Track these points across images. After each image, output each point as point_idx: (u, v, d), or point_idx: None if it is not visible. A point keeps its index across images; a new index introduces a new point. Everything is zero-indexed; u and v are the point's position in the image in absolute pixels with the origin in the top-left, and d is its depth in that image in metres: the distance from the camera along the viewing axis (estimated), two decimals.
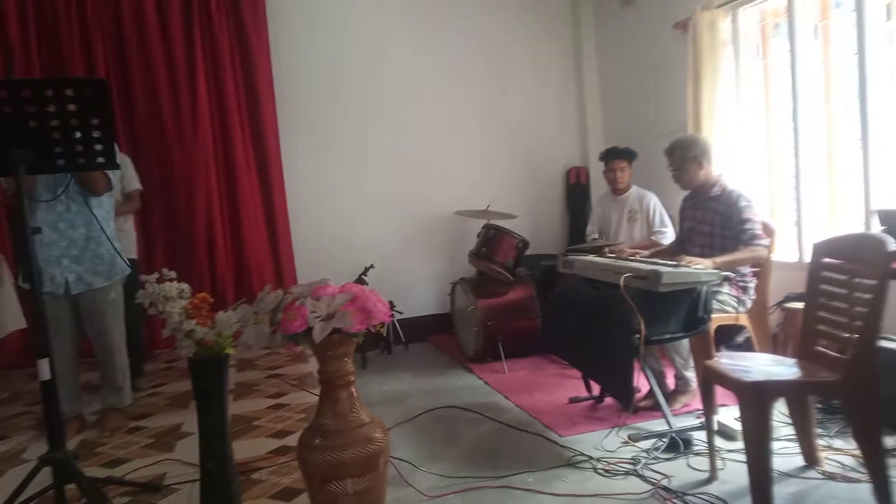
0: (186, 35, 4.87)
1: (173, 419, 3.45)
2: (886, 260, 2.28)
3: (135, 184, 4.04)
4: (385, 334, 5.28)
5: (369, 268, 5.05)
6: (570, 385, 4.02)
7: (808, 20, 3.77)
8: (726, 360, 2.62)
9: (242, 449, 2.87)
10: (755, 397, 2.32)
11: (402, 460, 3.00)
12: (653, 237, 4.48)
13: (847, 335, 2.44)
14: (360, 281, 5.06)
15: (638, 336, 2.96)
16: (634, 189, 4.65)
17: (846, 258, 2.52)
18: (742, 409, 2.40)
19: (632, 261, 3.42)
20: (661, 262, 3.30)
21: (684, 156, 3.58)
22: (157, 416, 3.56)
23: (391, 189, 5.58)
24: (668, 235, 4.37)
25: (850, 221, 3.79)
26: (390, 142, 5.56)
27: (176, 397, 3.86)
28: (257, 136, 5.10)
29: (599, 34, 5.79)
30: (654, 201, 4.55)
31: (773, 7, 4.10)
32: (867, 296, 2.35)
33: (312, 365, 4.18)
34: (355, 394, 2.15)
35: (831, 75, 3.74)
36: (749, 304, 3.51)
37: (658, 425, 3.24)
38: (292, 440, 2.85)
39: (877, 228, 2.84)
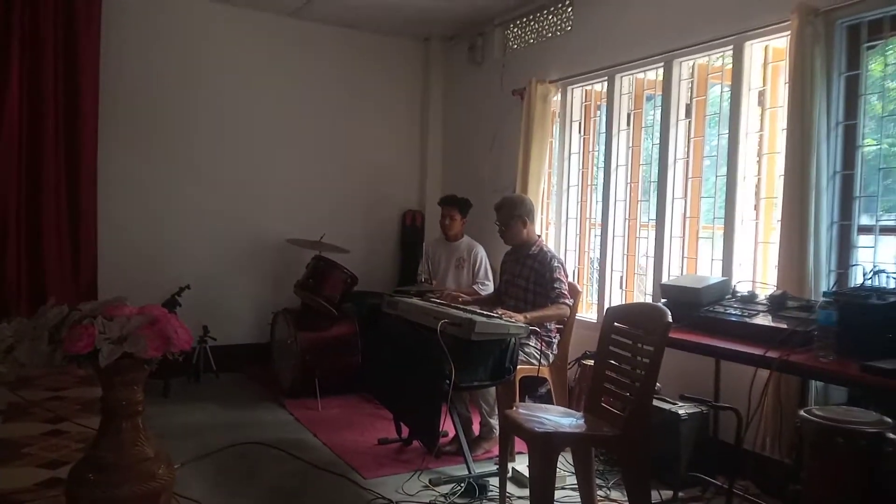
0: (4, 9, 4.36)
1: None
2: (664, 329, 2.56)
3: None
4: (194, 361, 4.99)
5: (184, 288, 4.75)
6: (381, 426, 4.03)
7: (623, 107, 4.22)
8: (523, 411, 2.77)
9: (5, 478, 2.54)
10: (543, 447, 2.48)
11: (192, 500, 2.82)
12: (474, 286, 4.68)
13: (627, 394, 2.70)
14: (171, 301, 4.74)
15: (448, 382, 3.06)
16: (466, 239, 4.85)
17: (632, 324, 2.80)
18: (531, 457, 2.55)
19: (451, 307, 3.54)
20: (479, 311, 3.45)
21: (511, 213, 3.82)
22: None
23: (220, 208, 5.33)
24: (489, 289, 4.59)
25: (641, 290, 4.23)
26: (226, 159, 5.33)
27: None
28: (72, 131, 4.62)
29: (447, 87, 6.05)
30: (481, 254, 4.76)
31: (596, 90, 4.55)
32: (646, 360, 2.62)
33: None
34: (141, 425, 1.99)
35: (638, 158, 4.19)
36: (552, 357, 3.77)
37: (460, 470, 3.34)
38: (66, 472, 2.57)
39: (660, 300, 3.19)
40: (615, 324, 2.89)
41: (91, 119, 4.70)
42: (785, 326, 2.56)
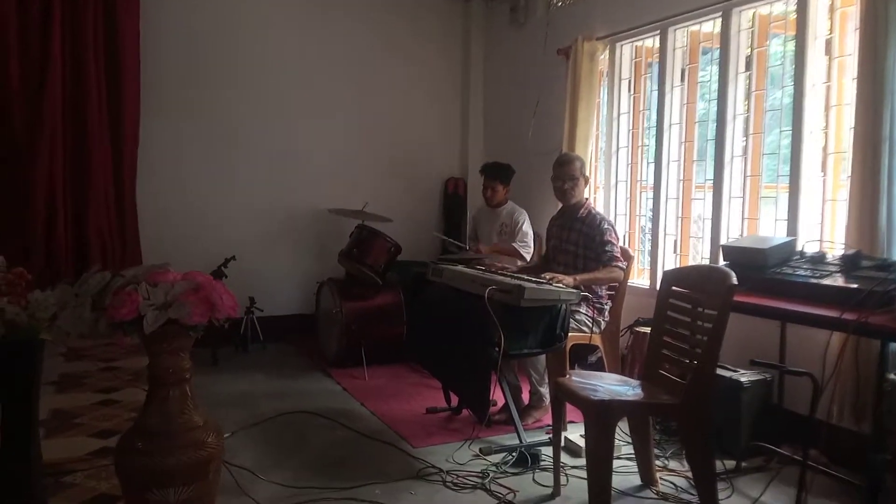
0: None
1: None
2: (728, 292, 2.41)
3: None
4: (241, 331, 5.01)
5: (230, 259, 4.75)
6: (428, 395, 3.98)
7: (677, 63, 4.00)
8: (577, 378, 2.67)
9: (57, 448, 2.56)
10: (600, 416, 2.37)
11: (241, 468, 2.81)
12: (513, 244, 4.56)
13: (687, 361, 2.57)
14: (217, 273, 4.74)
15: (497, 349, 2.97)
16: (509, 205, 4.70)
17: (692, 288, 2.66)
18: (587, 426, 2.45)
19: (499, 274, 3.44)
20: (526, 277, 3.34)
21: (582, 170, 3.67)
22: None
23: (263, 179, 5.31)
24: (526, 249, 4.44)
25: (696, 254, 4.05)
26: (267, 131, 5.30)
27: None
28: (115, 104, 4.62)
29: (488, 51, 5.87)
30: (521, 218, 4.59)
31: (647, 46, 4.32)
32: (708, 325, 2.48)
33: None
34: (189, 393, 1.96)
35: (693, 116, 3.97)
36: (603, 325, 3.64)
37: (510, 439, 3.26)
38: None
39: (721, 262, 3.03)
40: (673, 288, 2.74)
41: (133, 90, 4.70)
42: (860, 287, 2.37)
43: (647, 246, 4.34)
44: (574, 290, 3.17)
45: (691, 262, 4.04)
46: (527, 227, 4.56)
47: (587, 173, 3.77)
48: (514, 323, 3.05)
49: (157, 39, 4.85)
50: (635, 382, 2.72)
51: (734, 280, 2.41)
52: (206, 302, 1.83)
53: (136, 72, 4.70)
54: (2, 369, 1.93)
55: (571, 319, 3.46)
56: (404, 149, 5.82)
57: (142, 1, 4.71)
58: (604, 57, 4.49)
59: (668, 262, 4.12)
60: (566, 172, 3.64)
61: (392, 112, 5.74)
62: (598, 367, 3.83)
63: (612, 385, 2.62)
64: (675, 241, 4.11)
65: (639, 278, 4.35)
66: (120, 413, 3.09)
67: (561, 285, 3.20)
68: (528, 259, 4.41)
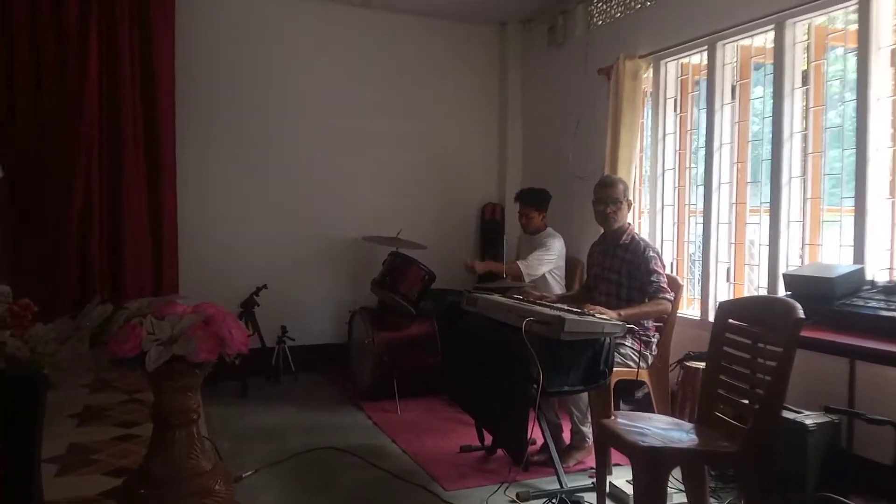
0: (82, 11, 4.37)
1: None
2: (794, 326, 2.17)
3: None
4: (273, 361, 4.89)
5: (261, 288, 4.68)
6: (463, 431, 3.77)
7: (727, 79, 3.77)
8: (623, 421, 2.43)
9: (69, 486, 2.43)
10: (650, 464, 2.14)
11: None
12: (517, 261, 4.34)
13: (747, 402, 2.31)
14: (250, 301, 4.67)
15: (535, 386, 2.75)
16: (548, 230, 4.51)
17: (751, 321, 2.41)
18: (635, 475, 2.21)
19: (538, 304, 3.23)
20: (567, 308, 3.13)
21: (625, 193, 3.47)
22: None
23: (296, 206, 5.23)
24: (530, 271, 4.23)
25: (751, 283, 3.77)
26: (300, 157, 5.23)
27: None
28: (151, 130, 4.59)
29: (526, 73, 5.73)
30: (549, 242, 4.35)
31: (694, 62, 4.11)
32: (771, 363, 2.23)
33: None
34: (196, 435, 1.80)
35: (745, 136, 3.73)
36: (650, 359, 3.39)
37: (550, 483, 3.04)
38: None
39: (782, 293, 2.78)
40: (730, 321, 2.50)
41: (168, 114, 4.67)
42: None
43: (697, 274, 4.08)
44: (619, 322, 2.93)
45: (747, 292, 3.76)
46: (543, 251, 4.32)
47: (630, 197, 3.55)
48: (553, 357, 2.82)
49: (194, 62, 4.84)
50: (689, 426, 2.46)
51: (801, 313, 2.16)
52: (214, 337, 1.68)
53: (172, 95, 4.68)
54: (1, 405, 1.81)
55: (616, 353, 3.22)
56: (441, 174, 5.69)
57: (178, 25, 4.70)
58: (647, 76, 4.28)
59: (721, 291, 3.86)
60: (609, 195, 3.43)
61: (428, 137, 5.63)
62: (645, 403, 3.57)
63: (663, 429, 2.37)
64: (728, 269, 3.84)
65: (688, 308, 4.09)
66: (138, 449, 2.94)
67: (604, 316, 2.97)
68: (525, 280, 4.20)
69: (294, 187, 5.22)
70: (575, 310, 3.08)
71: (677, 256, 4.24)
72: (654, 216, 4.33)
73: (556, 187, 4.64)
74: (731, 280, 3.81)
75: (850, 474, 2.76)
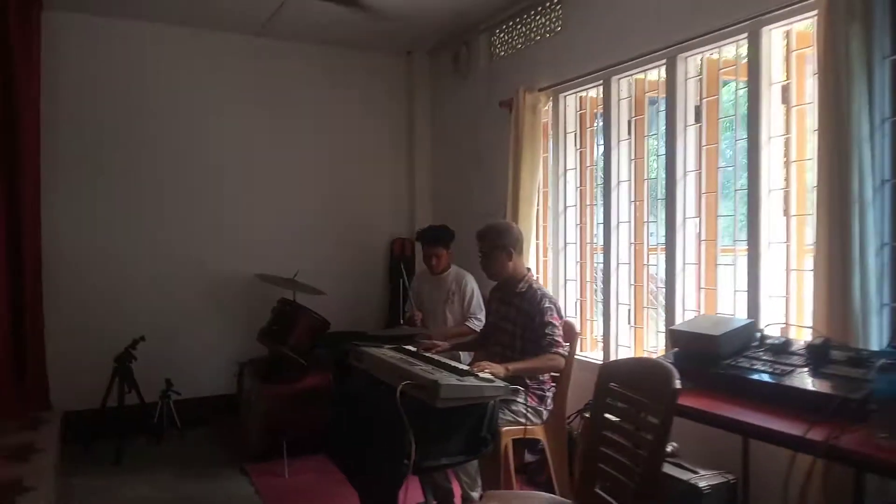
0: None
1: None
2: (671, 397, 1.95)
3: None
4: (156, 419, 4.46)
5: (139, 340, 4.26)
6: (353, 497, 3.41)
7: (622, 114, 3.62)
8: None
9: None
10: None
11: None
12: (467, 323, 4.09)
13: (626, 480, 2.07)
14: (124, 356, 4.24)
15: (407, 462, 2.46)
16: (453, 269, 4.26)
17: (632, 387, 2.18)
18: None
19: (424, 360, 2.95)
20: (453, 365, 2.86)
21: (495, 243, 3.23)
22: None
23: (182, 248, 4.83)
24: (483, 323, 3.98)
25: (656, 325, 3.60)
26: (186, 193, 4.84)
27: None
28: (11, 175, 4.14)
29: (435, 105, 5.51)
30: (471, 285, 4.17)
31: (592, 96, 3.95)
32: (649, 437, 2.00)
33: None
34: None
35: (641, 173, 3.58)
36: (545, 415, 3.15)
37: None
38: None
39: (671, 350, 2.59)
40: (611, 385, 2.27)
41: (33, 158, 4.22)
42: (830, 391, 1.92)
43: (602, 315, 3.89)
44: (503, 385, 2.67)
45: (649, 337, 3.59)
46: (478, 298, 4.10)
47: (511, 245, 3.20)
48: (431, 425, 2.54)
49: (57, 96, 4.41)
50: None
51: (677, 382, 1.95)
52: None
53: (37, 131, 4.24)
54: None
55: (507, 411, 2.98)
56: (345, 208, 5.40)
57: (43, 66, 4.26)
58: (547, 108, 4.11)
59: (623, 336, 3.67)
60: (481, 247, 3.25)
61: (334, 170, 5.33)
62: (543, 459, 3.32)
63: None
64: (629, 311, 3.66)
65: (592, 351, 3.90)
66: None
67: (489, 375, 2.71)
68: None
69: (178, 228, 4.82)
70: (460, 367, 2.82)
71: (581, 297, 4.05)
72: (556, 254, 4.13)
73: (463, 223, 4.40)
74: (632, 324, 3.63)
75: None
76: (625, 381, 2.21)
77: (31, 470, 3.22)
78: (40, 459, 3.39)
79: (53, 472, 3.39)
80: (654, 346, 3.56)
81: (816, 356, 2.15)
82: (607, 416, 2.25)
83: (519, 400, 3.04)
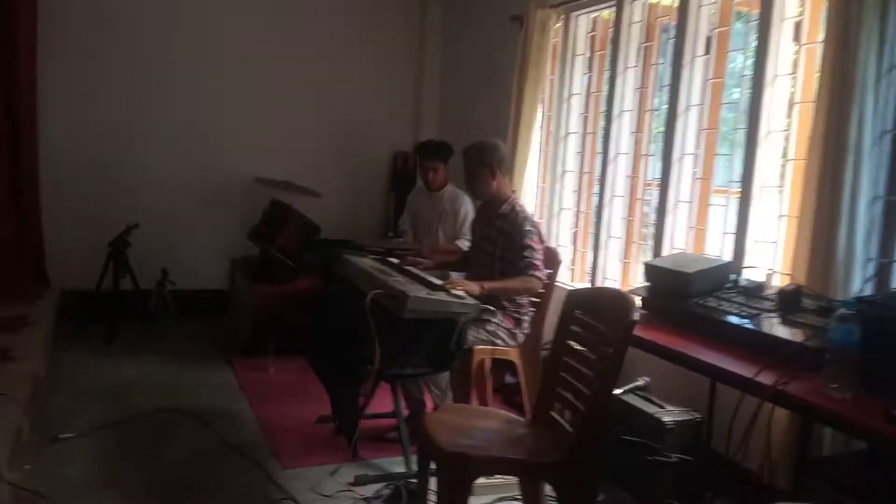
0: None
1: None
2: (627, 328, 1.95)
3: None
4: (150, 307, 4.58)
5: (133, 227, 4.29)
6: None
7: (633, 39, 3.47)
8: (446, 417, 2.22)
9: None
10: (451, 470, 1.93)
11: (34, 493, 2.36)
12: (457, 242, 4.08)
13: (578, 405, 2.11)
14: (119, 241, 4.29)
15: (370, 367, 2.52)
16: (450, 188, 4.21)
17: (596, 316, 2.18)
18: (438, 479, 2.01)
19: (401, 272, 2.97)
20: (429, 279, 2.88)
21: (479, 160, 3.15)
22: None
23: (182, 140, 4.81)
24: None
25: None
26: (189, 87, 4.77)
27: None
28: (7, 56, 4.10)
29: (447, 21, 5.30)
30: (466, 207, 4.12)
31: (604, 18, 3.78)
32: (602, 365, 2.02)
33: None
34: None
35: (644, 104, 3.46)
36: (521, 338, 3.18)
37: (397, 464, 2.84)
38: None
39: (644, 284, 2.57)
40: (576, 313, 2.28)
41: (30, 41, 4.16)
42: (789, 337, 1.91)
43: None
44: (473, 303, 2.69)
45: (639, 272, 3.56)
46: (471, 219, 4.07)
47: (495, 163, 3.12)
48: (398, 335, 2.59)
49: None
50: (523, 428, 2.25)
51: (635, 313, 1.95)
52: None
53: (34, 16, 4.16)
54: None
55: (483, 330, 3.00)
56: (351, 119, 5.31)
57: None
58: (558, 27, 3.94)
59: (613, 269, 3.66)
60: (464, 164, 3.17)
61: (340, 81, 5.20)
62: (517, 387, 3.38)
63: (489, 428, 2.17)
64: (621, 245, 3.63)
65: (582, 282, 3.90)
66: None
67: (461, 292, 2.73)
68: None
69: (180, 121, 4.79)
70: (435, 282, 2.84)
71: (576, 227, 4.01)
72: (553, 182, 4.07)
73: (466, 141, 4.31)
74: (622, 258, 3.61)
75: (711, 476, 2.60)
76: (588, 308, 2.22)
77: (21, 340, 3.33)
78: (31, 332, 3.51)
79: (44, 344, 3.52)
80: (641, 282, 3.54)
81: (787, 302, 2.14)
82: (571, 342, 2.27)
83: (495, 319, 3.07)
